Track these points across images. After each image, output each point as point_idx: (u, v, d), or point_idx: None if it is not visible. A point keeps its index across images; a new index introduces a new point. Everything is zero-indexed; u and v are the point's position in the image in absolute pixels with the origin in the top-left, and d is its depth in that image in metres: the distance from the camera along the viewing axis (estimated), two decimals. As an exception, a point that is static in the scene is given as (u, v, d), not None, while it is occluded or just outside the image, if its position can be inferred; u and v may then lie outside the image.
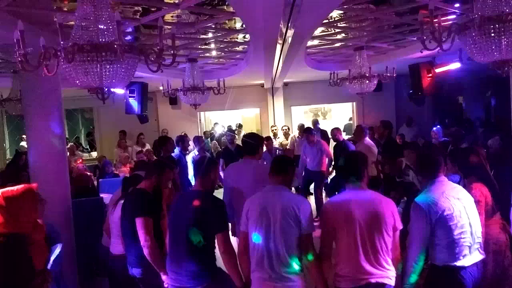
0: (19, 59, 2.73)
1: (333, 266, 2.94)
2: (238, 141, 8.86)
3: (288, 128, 10.73)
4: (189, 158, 7.32)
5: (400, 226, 2.92)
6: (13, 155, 10.27)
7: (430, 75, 8.26)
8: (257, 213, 2.94)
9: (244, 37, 6.72)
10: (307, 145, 7.80)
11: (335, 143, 7.90)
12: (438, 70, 8.21)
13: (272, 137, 10.43)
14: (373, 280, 2.81)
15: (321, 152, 7.66)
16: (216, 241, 3.12)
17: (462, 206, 3.02)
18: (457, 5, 4.94)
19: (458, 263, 2.96)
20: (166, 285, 3.35)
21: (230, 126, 14.28)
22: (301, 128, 10.39)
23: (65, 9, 4.46)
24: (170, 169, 3.73)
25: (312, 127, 10.33)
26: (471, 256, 3.01)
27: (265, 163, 5.99)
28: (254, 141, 4.31)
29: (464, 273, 2.98)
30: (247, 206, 3.05)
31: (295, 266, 2.87)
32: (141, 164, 5.16)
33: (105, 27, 2.89)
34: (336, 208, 2.94)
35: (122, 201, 3.72)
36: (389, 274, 2.87)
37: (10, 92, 7.24)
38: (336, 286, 2.91)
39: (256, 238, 2.92)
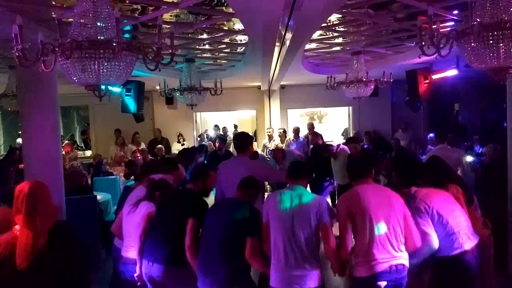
0: (17, 54, 2.72)
1: (353, 257, 3.17)
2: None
3: (284, 131, 10.72)
4: None
5: (409, 212, 3.20)
6: (7, 151, 10.20)
7: (427, 81, 8.29)
8: (277, 208, 3.17)
9: (239, 39, 6.73)
10: None
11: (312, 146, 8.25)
12: (435, 77, 8.24)
13: (267, 139, 10.44)
14: (394, 262, 3.04)
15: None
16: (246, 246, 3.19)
17: (445, 201, 3.35)
18: (455, 12, 4.97)
19: (458, 251, 3.21)
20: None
21: (225, 127, 14.30)
22: (296, 131, 10.43)
23: (64, 5, 4.44)
24: (214, 171, 3.90)
25: (308, 130, 10.39)
26: (468, 242, 3.25)
27: None
28: (242, 139, 4.69)
29: (466, 257, 3.21)
30: (268, 200, 3.32)
31: (313, 255, 3.08)
32: (131, 164, 5.05)
33: (104, 25, 2.88)
34: (350, 200, 3.21)
35: (145, 202, 3.67)
36: (406, 256, 3.13)
37: (6, 88, 7.22)
38: (357, 275, 3.12)
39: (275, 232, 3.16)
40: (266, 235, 3.23)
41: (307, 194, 3.30)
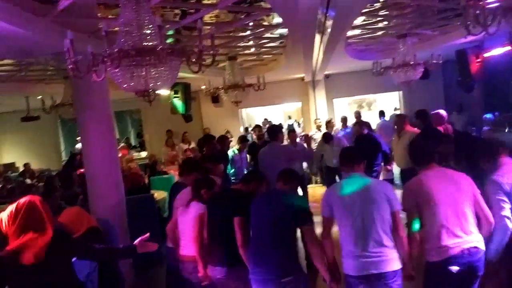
0: (70, 66, 2.88)
1: (424, 241, 3.11)
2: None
3: (330, 121, 10.52)
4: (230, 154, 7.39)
5: (479, 192, 3.14)
6: (68, 157, 10.80)
7: (479, 60, 7.90)
8: (344, 200, 3.10)
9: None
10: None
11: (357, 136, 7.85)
12: (486, 55, 7.84)
13: (315, 129, 10.35)
14: (466, 246, 2.99)
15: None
16: (303, 234, 3.27)
17: None
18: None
19: None
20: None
21: (270, 121, 14.40)
22: (344, 120, 10.29)
23: (109, 16, 4.64)
24: (267, 182, 3.84)
25: (355, 119, 10.20)
26: None
27: None
28: (272, 130, 6.17)
29: None
30: (329, 193, 3.25)
31: (388, 241, 3.02)
32: (189, 163, 5.07)
33: (147, 32, 3.00)
34: (415, 190, 3.14)
35: (194, 203, 3.73)
36: (480, 238, 3.06)
37: (63, 97, 7.61)
38: (429, 260, 3.10)
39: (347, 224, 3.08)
40: (327, 229, 3.20)
41: (368, 179, 3.22)
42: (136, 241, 2.87)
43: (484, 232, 3.08)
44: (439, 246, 3.02)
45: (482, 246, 3.05)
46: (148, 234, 2.89)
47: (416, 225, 3.08)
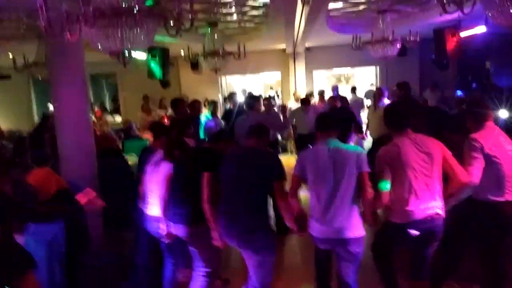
0: (43, 24, 2.80)
1: (391, 202, 3.21)
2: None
3: (311, 94, 10.62)
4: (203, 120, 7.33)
5: (449, 152, 3.25)
6: (40, 118, 10.56)
7: (455, 39, 8.02)
8: (317, 164, 3.17)
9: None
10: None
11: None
12: (463, 34, 7.95)
13: (294, 101, 10.42)
14: (429, 212, 3.13)
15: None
16: (274, 188, 3.24)
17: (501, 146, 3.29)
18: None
19: (500, 199, 3.23)
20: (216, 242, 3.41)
21: (250, 92, 14.33)
22: (321, 94, 10.36)
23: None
24: (236, 144, 3.88)
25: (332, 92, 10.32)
26: None
27: None
28: (251, 99, 6.46)
29: (507, 208, 3.21)
30: (304, 156, 3.31)
31: (355, 206, 3.13)
32: (157, 127, 4.98)
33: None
34: (390, 153, 3.20)
35: (166, 162, 3.66)
36: (442, 205, 3.19)
37: (35, 56, 7.36)
38: (392, 221, 3.25)
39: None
40: (294, 188, 3.27)
41: (342, 144, 3.25)
42: (78, 196, 2.80)
43: (453, 190, 3.22)
44: (405, 209, 3.14)
45: (443, 212, 3.19)
46: (89, 189, 2.87)
47: (387, 185, 3.16)
